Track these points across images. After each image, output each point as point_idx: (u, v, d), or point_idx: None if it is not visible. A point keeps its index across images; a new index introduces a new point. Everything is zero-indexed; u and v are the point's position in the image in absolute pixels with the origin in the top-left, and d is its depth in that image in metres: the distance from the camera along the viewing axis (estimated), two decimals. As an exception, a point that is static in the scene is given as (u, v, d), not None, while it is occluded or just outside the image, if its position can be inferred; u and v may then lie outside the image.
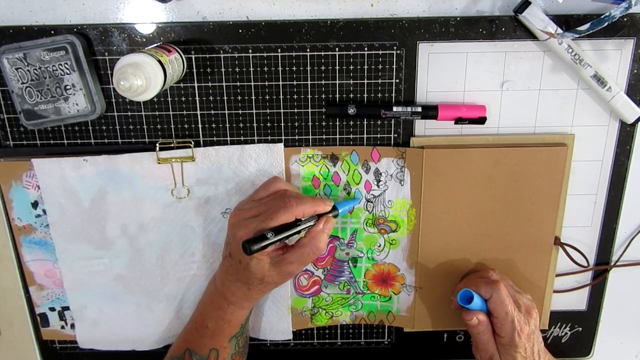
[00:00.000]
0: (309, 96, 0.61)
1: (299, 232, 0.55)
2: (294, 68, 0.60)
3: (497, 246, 0.66)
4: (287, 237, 0.55)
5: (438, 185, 0.63)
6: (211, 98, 0.61)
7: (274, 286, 0.59)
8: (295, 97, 0.61)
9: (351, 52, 0.59)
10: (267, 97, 0.61)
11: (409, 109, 0.60)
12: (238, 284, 0.58)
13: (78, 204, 0.63)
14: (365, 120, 0.62)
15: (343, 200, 0.63)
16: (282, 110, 0.61)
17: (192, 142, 0.62)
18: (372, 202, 0.65)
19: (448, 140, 0.63)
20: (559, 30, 0.56)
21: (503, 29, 0.58)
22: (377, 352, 0.73)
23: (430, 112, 0.60)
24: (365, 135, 0.63)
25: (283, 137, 0.62)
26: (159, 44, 0.57)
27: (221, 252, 0.66)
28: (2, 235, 0.66)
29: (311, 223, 0.57)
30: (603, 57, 0.60)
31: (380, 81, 0.60)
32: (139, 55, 0.50)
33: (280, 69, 0.60)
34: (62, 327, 0.70)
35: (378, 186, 0.64)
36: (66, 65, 0.57)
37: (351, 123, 0.62)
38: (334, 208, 0.60)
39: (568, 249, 0.66)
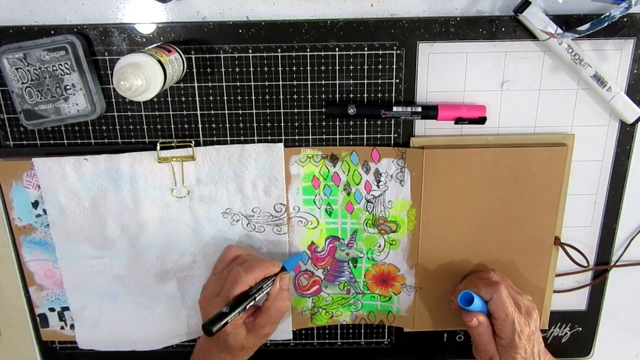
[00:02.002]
0: (309, 96, 0.61)
1: (254, 298, 0.57)
2: (294, 68, 0.60)
3: (497, 246, 0.66)
4: (244, 308, 0.56)
5: (438, 185, 0.63)
6: (211, 98, 0.61)
7: (257, 347, 0.62)
8: (295, 97, 0.61)
9: (351, 52, 0.59)
10: (267, 97, 0.61)
11: (409, 109, 0.60)
12: (222, 354, 0.61)
13: (78, 204, 0.63)
14: (365, 120, 0.62)
15: (289, 258, 0.66)
16: (282, 110, 0.61)
17: (193, 142, 0.62)
18: (372, 202, 0.65)
19: (448, 141, 0.63)
20: (559, 30, 0.56)
21: (503, 29, 0.58)
22: (377, 352, 0.73)
23: (430, 112, 0.60)
24: (365, 136, 0.63)
25: (283, 137, 0.62)
26: (159, 44, 0.57)
27: (221, 252, 0.66)
28: (2, 235, 0.66)
29: (266, 284, 0.59)
30: (603, 57, 0.60)
31: (380, 81, 0.60)
32: (139, 55, 0.50)
33: (280, 69, 0.60)
34: (62, 328, 0.70)
35: (378, 186, 0.64)
36: (66, 65, 0.57)
37: (351, 123, 0.62)
38: (283, 267, 0.62)
39: (568, 249, 0.66)
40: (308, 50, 0.59)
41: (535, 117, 0.62)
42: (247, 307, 0.56)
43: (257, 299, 0.58)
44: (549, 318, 0.70)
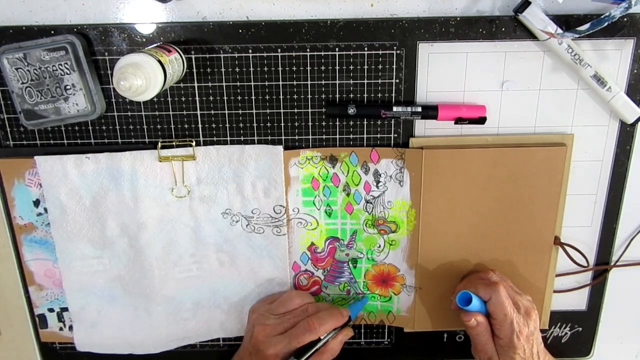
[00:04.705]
0: (309, 96, 0.61)
1: (318, 349, 0.61)
2: (294, 68, 0.60)
3: (496, 246, 0.66)
4: (310, 355, 0.60)
5: (437, 185, 0.63)
6: (211, 98, 0.61)
7: None
8: (295, 97, 0.61)
9: (351, 52, 0.59)
10: (267, 97, 0.61)
11: (409, 109, 0.60)
12: None
13: (79, 202, 0.63)
14: (365, 120, 0.62)
15: (353, 304, 0.68)
16: (282, 111, 0.61)
17: (194, 142, 0.62)
18: (371, 203, 0.65)
19: (448, 141, 0.63)
20: (559, 30, 0.56)
21: (503, 29, 0.58)
22: (377, 352, 0.73)
23: (430, 112, 0.60)
24: (365, 136, 0.63)
25: (283, 137, 0.62)
26: (159, 44, 0.58)
27: (221, 253, 0.66)
28: (2, 234, 0.66)
29: (331, 335, 0.62)
30: (603, 57, 0.60)
31: (380, 81, 0.60)
32: (139, 55, 0.50)
33: (280, 69, 0.60)
34: (61, 329, 0.70)
35: (377, 187, 0.64)
36: (66, 65, 0.57)
37: (351, 123, 0.62)
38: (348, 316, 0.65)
39: (568, 248, 0.66)
40: (308, 50, 0.59)
41: (535, 117, 0.62)
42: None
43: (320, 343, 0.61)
44: (549, 318, 0.70)
